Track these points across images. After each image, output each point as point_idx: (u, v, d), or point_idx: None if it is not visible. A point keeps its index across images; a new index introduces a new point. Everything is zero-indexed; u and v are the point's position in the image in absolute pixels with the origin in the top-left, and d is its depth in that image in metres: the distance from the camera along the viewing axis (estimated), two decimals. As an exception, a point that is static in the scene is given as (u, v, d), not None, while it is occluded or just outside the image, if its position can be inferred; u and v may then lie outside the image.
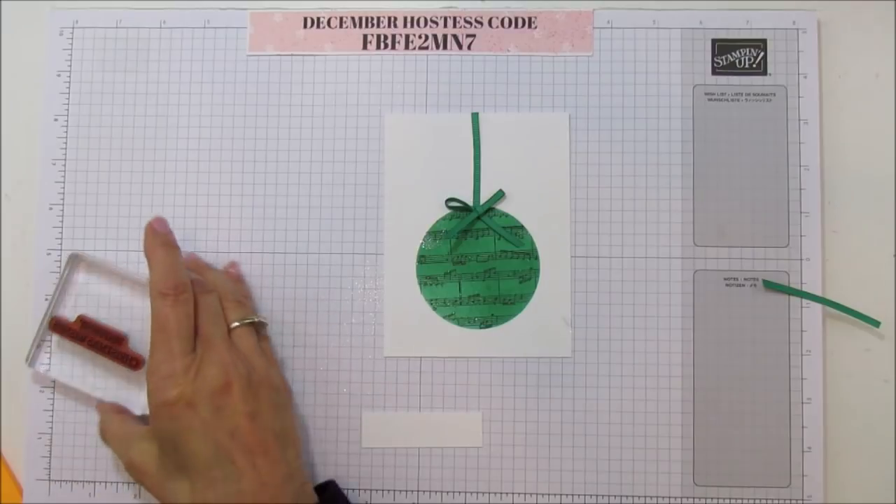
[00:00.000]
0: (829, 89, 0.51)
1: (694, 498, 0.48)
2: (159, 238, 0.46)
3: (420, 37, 0.51)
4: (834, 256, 0.50)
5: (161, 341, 0.43)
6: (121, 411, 0.47)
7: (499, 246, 0.50)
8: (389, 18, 0.51)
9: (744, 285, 0.49)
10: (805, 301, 0.49)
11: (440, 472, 0.48)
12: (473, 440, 0.48)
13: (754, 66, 0.50)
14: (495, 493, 0.48)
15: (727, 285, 0.49)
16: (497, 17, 0.51)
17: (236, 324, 0.45)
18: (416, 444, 0.48)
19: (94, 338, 0.48)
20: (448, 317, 0.50)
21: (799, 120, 0.50)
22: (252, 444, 0.41)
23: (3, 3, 0.53)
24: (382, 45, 0.51)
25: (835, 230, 0.50)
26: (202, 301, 0.45)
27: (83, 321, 0.48)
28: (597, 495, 0.48)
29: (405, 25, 0.51)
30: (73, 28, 0.52)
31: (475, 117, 0.50)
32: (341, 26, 0.51)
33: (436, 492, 0.48)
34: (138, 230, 0.50)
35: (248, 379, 0.43)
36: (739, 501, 0.48)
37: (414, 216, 0.50)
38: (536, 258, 0.50)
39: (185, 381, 0.42)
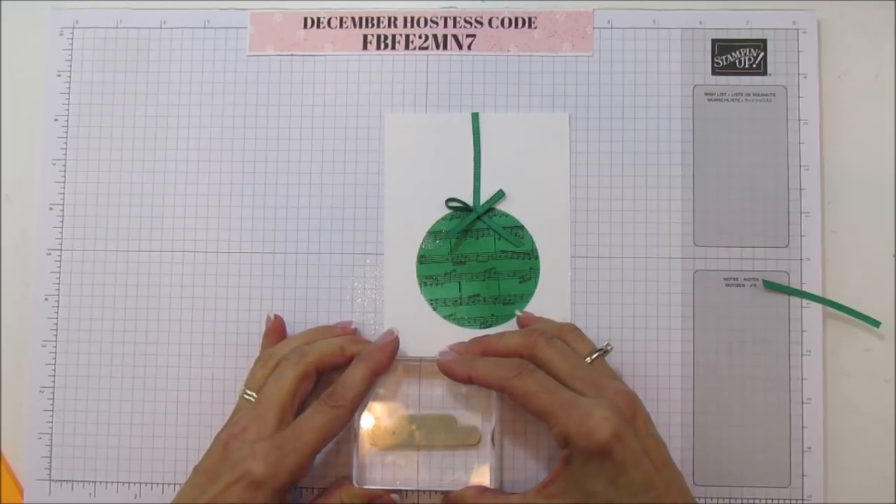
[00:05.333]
0: (829, 89, 0.51)
1: (694, 497, 0.48)
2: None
3: (420, 37, 0.51)
4: (834, 256, 0.50)
5: None
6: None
7: (499, 246, 0.50)
8: (389, 18, 0.51)
9: (744, 285, 0.49)
10: (805, 301, 0.49)
11: (440, 472, 0.48)
12: (474, 440, 0.48)
13: (754, 66, 0.50)
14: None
15: (727, 285, 0.49)
16: (497, 17, 0.51)
17: None
18: (417, 444, 0.48)
19: None
20: (448, 317, 0.50)
21: (799, 120, 0.50)
22: None
23: (3, 3, 0.53)
24: (382, 45, 0.51)
25: (835, 230, 0.50)
26: None
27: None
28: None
29: (405, 25, 0.51)
30: (73, 28, 0.52)
31: (475, 117, 0.50)
32: (341, 26, 0.51)
33: (435, 491, 0.48)
34: (138, 230, 0.51)
35: None
36: (739, 501, 0.48)
37: (414, 216, 0.50)
38: (536, 258, 0.50)
39: None
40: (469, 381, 0.45)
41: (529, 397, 0.42)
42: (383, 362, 0.46)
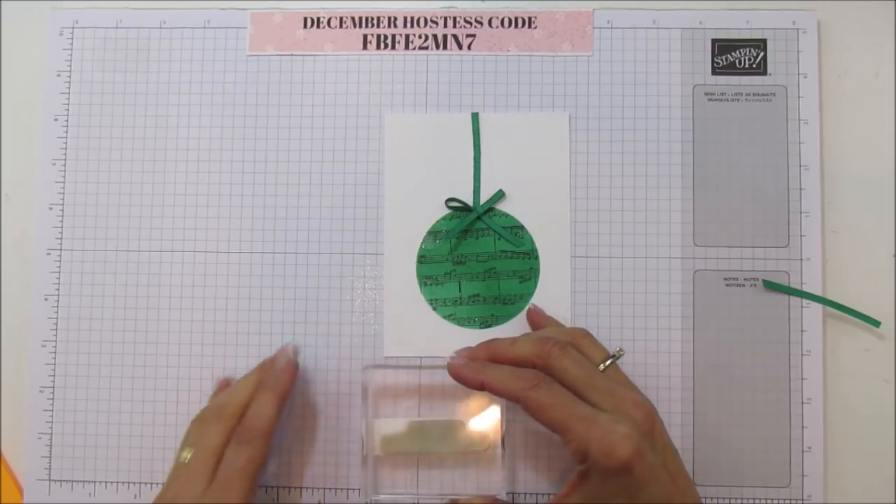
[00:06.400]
0: (829, 89, 0.51)
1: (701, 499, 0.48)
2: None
3: (420, 37, 0.51)
4: (834, 256, 0.50)
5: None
6: None
7: (499, 246, 0.50)
8: (389, 18, 0.51)
9: (744, 285, 0.49)
10: (805, 301, 0.49)
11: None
12: (484, 446, 0.47)
13: (754, 66, 0.50)
14: (497, 493, 0.48)
15: (727, 285, 0.49)
16: (497, 17, 0.51)
17: None
18: (427, 451, 0.48)
19: None
20: (448, 317, 0.50)
21: (799, 120, 0.50)
22: None
23: (3, 3, 0.53)
24: (382, 45, 0.51)
25: (835, 230, 0.50)
26: None
27: None
28: (597, 495, 0.48)
29: (405, 25, 0.51)
30: (73, 28, 0.52)
31: (475, 117, 0.50)
32: (341, 26, 0.52)
33: (436, 493, 0.48)
34: (138, 230, 0.51)
35: None
36: (739, 501, 0.48)
37: (414, 216, 0.50)
38: (536, 258, 0.50)
39: None
40: (481, 387, 0.43)
41: (546, 410, 0.41)
42: (287, 385, 0.46)
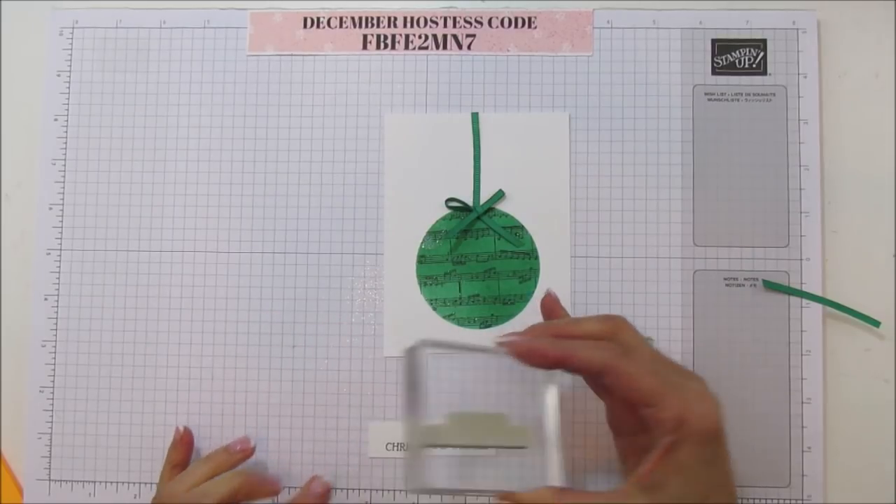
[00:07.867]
0: (829, 89, 0.51)
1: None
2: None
3: (420, 37, 0.51)
4: (834, 256, 0.50)
5: None
6: None
7: (499, 246, 0.50)
8: (389, 18, 0.51)
9: (744, 285, 0.49)
10: (805, 301, 0.49)
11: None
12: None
13: (754, 66, 0.50)
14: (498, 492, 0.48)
15: (727, 285, 0.49)
16: (497, 17, 0.51)
17: None
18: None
19: None
20: (448, 317, 0.50)
21: (799, 120, 0.50)
22: None
23: (3, 3, 0.53)
24: (382, 45, 0.51)
25: (835, 230, 0.50)
26: None
27: None
28: (597, 495, 0.48)
29: (405, 25, 0.51)
30: (73, 28, 0.52)
31: (475, 117, 0.50)
32: (341, 26, 0.52)
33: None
34: (138, 230, 0.51)
35: None
36: (739, 501, 0.48)
37: (414, 216, 0.50)
38: (536, 258, 0.50)
39: None
40: (559, 363, 0.39)
41: (636, 378, 0.38)
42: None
